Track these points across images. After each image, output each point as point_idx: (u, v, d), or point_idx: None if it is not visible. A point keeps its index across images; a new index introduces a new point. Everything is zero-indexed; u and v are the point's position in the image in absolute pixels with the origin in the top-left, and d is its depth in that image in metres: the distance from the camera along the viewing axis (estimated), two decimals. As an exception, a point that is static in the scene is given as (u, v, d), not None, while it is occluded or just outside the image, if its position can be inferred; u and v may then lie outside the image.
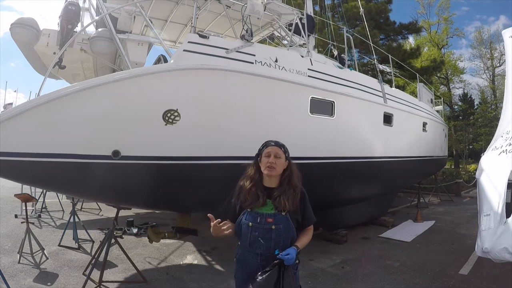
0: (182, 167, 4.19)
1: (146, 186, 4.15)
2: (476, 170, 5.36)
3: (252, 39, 4.82)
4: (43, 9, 71.15)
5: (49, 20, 62.54)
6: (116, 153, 3.79)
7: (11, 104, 8.57)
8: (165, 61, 4.90)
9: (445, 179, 14.64)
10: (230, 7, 5.38)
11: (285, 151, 2.11)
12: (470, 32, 52.12)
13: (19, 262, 4.69)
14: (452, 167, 23.33)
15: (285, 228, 1.99)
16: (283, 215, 1.99)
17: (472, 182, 13.65)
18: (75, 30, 4.60)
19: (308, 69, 5.34)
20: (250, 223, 2.01)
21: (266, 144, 2.14)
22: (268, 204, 2.04)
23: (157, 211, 8.24)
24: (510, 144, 4.39)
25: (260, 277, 1.88)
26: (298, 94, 5.17)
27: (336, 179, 5.84)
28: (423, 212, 9.33)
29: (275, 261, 1.89)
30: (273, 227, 1.97)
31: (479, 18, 53.28)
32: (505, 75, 8.09)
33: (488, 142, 6.38)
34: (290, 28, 6.21)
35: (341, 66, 6.65)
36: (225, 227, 1.96)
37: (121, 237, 6.09)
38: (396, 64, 14.80)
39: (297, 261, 1.99)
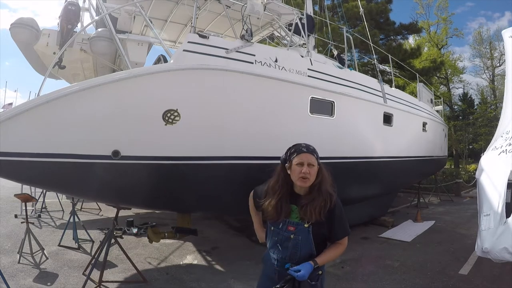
0: (182, 167, 4.19)
1: (146, 186, 4.15)
2: (476, 170, 5.36)
3: (252, 39, 4.82)
4: (36, 6, 71.43)
5: (42, 16, 63.00)
6: (116, 153, 3.78)
7: (11, 104, 8.58)
8: (165, 61, 4.90)
9: (445, 179, 14.63)
10: (230, 7, 5.37)
11: (317, 157, 1.93)
12: (474, 28, 51.79)
13: (19, 262, 4.69)
14: (452, 167, 23.33)
15: (304, 241, 1.86)
16: (305, 227, 1.85)
17: (472, 182, 13.64)
18: (75, 30, 4.60)
19: (308, 69, 5.34)
20: (272, 227, 1.95)
21: (296, 150, 1.92)
22: (294, 210, 1.91)
23: (157, 211, 8.23)
24: (510, 144, 4.39)
25: None
26: (298, 94, 5.16)
27: (336, 179, 5.83)
28: (423, 212, 9.32)
29: (287, 277, 1.77)
30: (292, 236, 1.86)
31: (484, 14, 53.06)
32: (505, 75, 8.08)
33: (488, 142, 6.38)
34: (290, 28, 6.21)
35: (341, 66, 6.65)
36: None
37: (121, 237, 6.08)
38: (396, 64, 14.80)
39: (319, 272, 1.88)
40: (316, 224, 1.85)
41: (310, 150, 1.93)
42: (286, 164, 1.95)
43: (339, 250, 1.95)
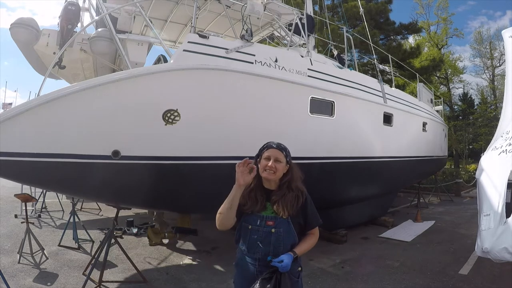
0: (182, 167, 4.19)
1: (146, 186, 4.15)
2: (476, 170, 5.36)
3: (252, 39, 4.82)
4: (34, 5, 71.78)
5: (41, 16, 63.55)
6: (116, 153, 3.79)
7: (11, 104, 8.59)
8: (165, 61, 4.90)
9: (445, 179, 14.64)
10: (230, 7, 5.38)
11: (287, 155, 1.98)
12: (475, 27, 51.52)
13: (19, 262, 4.69)
14: (452, 167, 23.34)
15: (286, 232, 1.89)
16: (284, 219, 1.90)
17: (472, 182, 13.66)
18: (75, 30, 4.60)
19: (308, 69, 5.34)
20: (250, 226, 1.93)
21: (267, 146, 2.01)
22: (268, 207, 1.95)
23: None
24: (510, 144, 4.40)
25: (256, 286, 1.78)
26: (298, 94, 5.16)
27: (336, 179, 5.84)
28: (423, 212, 9.33)
29: (271, 269, 1.79)
30: (273, 230, 1.88)
31: (485, 13, 52.42)
32: (505, 75, 8.09)
33: (488, 142, 6.38)
34: (290, 28, 6.21)
35: (341, 66, 6.65)
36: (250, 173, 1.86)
37: (121, 237, 6.09)
38: (396, 64, 14.80)
39: (299, 268, 1.92)
40: (293, 216, 1.92)
41: (280, 147, 2.00)
42: (258, 159, 2.01)
43: (313, 240, 2.02)
